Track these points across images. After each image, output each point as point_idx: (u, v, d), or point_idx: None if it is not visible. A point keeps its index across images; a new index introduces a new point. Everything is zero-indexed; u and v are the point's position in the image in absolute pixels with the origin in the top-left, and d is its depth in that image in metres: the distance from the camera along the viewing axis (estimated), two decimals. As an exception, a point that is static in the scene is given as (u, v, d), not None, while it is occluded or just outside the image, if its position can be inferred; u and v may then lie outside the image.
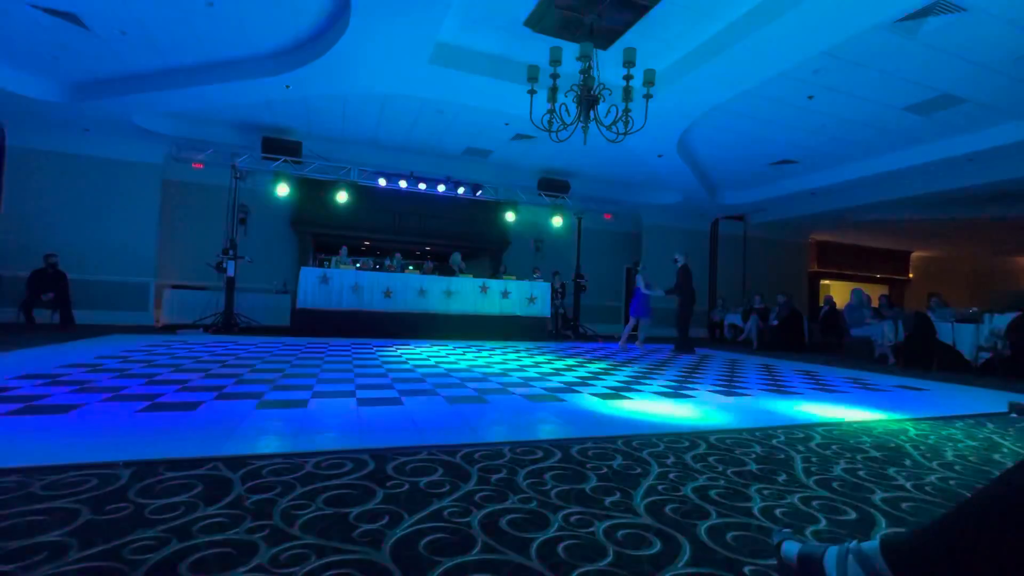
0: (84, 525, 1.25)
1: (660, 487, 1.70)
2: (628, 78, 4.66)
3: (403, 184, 9.24)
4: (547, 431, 2.46)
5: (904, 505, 1.64)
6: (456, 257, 9.97)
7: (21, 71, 6.54)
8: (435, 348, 6.67)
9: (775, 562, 1.20)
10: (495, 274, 10.45)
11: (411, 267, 12.54)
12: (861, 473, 1.96)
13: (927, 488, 1.82)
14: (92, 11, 5.19)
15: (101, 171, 8.66)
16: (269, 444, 2.02)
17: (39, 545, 1.15)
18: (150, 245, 8.99)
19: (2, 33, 5.61)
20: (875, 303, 9.00)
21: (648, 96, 4.75)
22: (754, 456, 2.12)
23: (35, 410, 2.39)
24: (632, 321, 8.01)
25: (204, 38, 5.72)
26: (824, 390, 4.23)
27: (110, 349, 4.91)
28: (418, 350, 6.28)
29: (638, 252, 13.11)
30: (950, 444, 2.52)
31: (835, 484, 1.81)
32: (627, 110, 4.87)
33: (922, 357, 6.83)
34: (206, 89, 6.62)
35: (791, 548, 1.15)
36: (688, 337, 7.78)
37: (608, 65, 5.52)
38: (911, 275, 18.68)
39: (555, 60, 4.51)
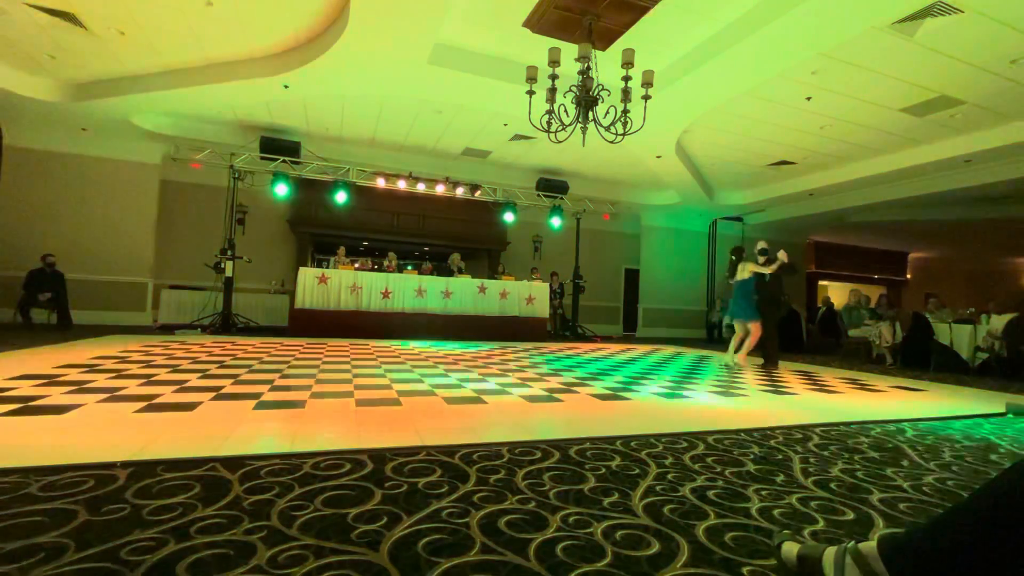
0: (81, 526, 1.25)
1: (658, 488, 1.70)
2: (627, 79, 4.66)
3: (402, 184, 9.23)
4: (545, 431, 2.46)
5: (902, 505, 1.64)
6: (455, 257, 9.96)
7: (19, 70, 6.52)
8: (433, 348, 6.67)
9: (774, 563, 1.20)
10: (493, 275, 10.45)
11: (409, 267, 12.53)
12: (859, 474, 1.96)
13: (925, 488, 1.82)
14: (90, 11, 5.18)
15: (99, 171, 8.62)
16: (267, 444, 2.01)
17: (36, 546, 1.14)
18: (148, 245, 8.96)
19: (0, 32, 5.59)
20: (873, 304, 9.02)
21: (647, 97, 4.75)
22: (752, 457, 2.13)
23: (32, 410, 2.38)
24: (741, 330, 5.96)
25: (203, 38, 5.71)
26: (823, 390, 4.24)
27: (107, 349, 4.90)
28: (416, 351, 6.28)
29: (637, 253, 13.12)
30: (948, 445, 2.52)
31: (833, 485, 1.81)
32: (626, 111, 4.88)
33: (920, 358, 6.85)
34: (204, 89, 6.61)
35: (791, 549, 1.16)
36: (775, 348, 6.01)
37: (607, 66, 5.53)
38: (909, 276, 18.73)
39: (554, 61, 4.51)
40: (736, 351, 5.92)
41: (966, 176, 8.36)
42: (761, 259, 5.87)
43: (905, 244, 16.74)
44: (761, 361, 6.20)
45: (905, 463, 2.15)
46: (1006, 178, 7.95)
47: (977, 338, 6.51)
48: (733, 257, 6.00)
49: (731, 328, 10.96)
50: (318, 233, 10.58)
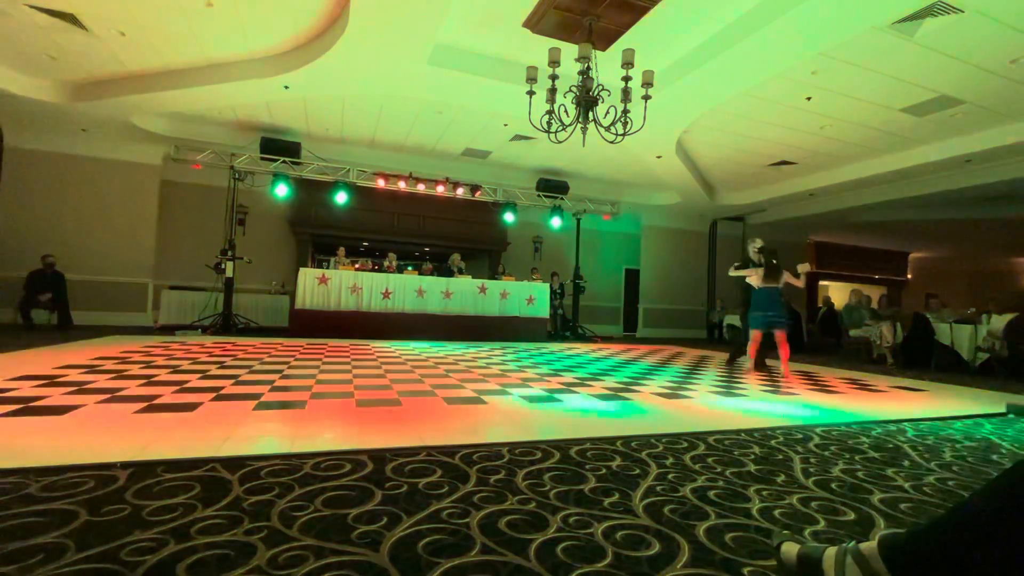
0: (82, 527, 1.25)
1: (659, 488, 1.70)
2: (627, 79, 4.66)
3: (402, 185, 9.23)
4: (545, 431, 2.46)
5: (903, 506, 1.64)
6: (455, 258, 9.97)
7: (19, 71, 6.52)
8: (434, 349, 6.67)
9: (774, 563, 1.20)
10: (494, 275, 10.45)
11: (410, 268, 12.54)
12: (860, 474, 1.96)
13: (925, 489, 1.82)
14: (91, 12, 5.18)
15: (99, 172, 8.63)
16: (267, 445, 2.01)
17: (37, 547, 1.14)
18: (148, 246, 8.97)
19: (0, 33, 5.60)
20: (875, 304, 9.01)
21: (647, 97, 4.75)
22: (753, 457, 2.13)
23: (33, 411, 2.38)
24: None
25: (203, 39, 5.71)
26: (824, 390, 4.23)
27: (108, 350, 4.90)
28: (417, 351, 6.28)
29: (637, 253, 13.11)
30: (948, 445, 2.52)
31: (834, 485, 1.81)
32: (626, 111, 4.88)
33: (920, 358, 6.85)
34: (205, 90, 6.61)
35: (790, 550, 1.16)
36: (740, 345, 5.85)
37: (607, 66, 5.53)
38: (909, 276, 18.72)
39: (554, 61, 4.51)
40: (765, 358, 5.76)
41: (966, 176, 8.35)
42: (758, 257, 5.64)
43: (906, 244, 16.73)
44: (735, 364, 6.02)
45: (906, 463, 2.14)
46: (1006, 178, 7.95)
47: (978, 338, 6.51)
48: (774, 261, 5.39)
49: (732, 328, 10.98)
50: (318, 234, 10.59)
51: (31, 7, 5.09)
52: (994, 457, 2.32)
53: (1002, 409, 3.57)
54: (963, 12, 4.43)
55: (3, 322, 7.40)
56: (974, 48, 5.02)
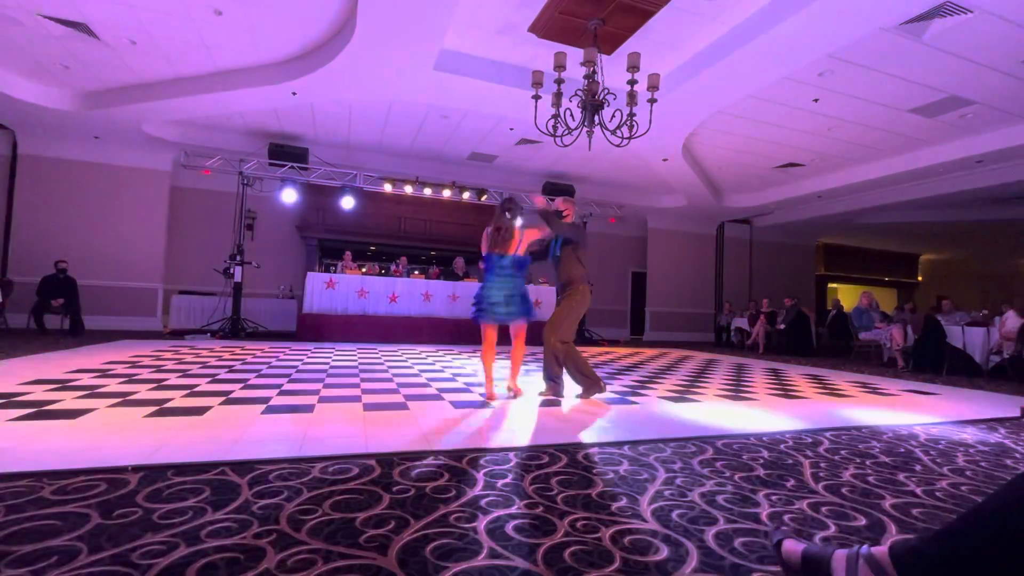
0: (94, 529, 1.26)
1: (667, 492, 1.69)
2: (632, 82, 4.66)
3: (408, 189, 9.27)
4: (552, 436, 2.46)
5: (915, 511, 1.62)
6: (461, 262, 9.98)
7: (32, 80, 6.64)
8: (440, 352, 6.68)
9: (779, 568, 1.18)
10: (500, 279, 10.44)
11: (416, 272, 12.56)
12: (871, 479, 1.94)
13: (938, 494, 1.80)
14: (102, 21, 5.26)
15: (111, 178, 8.75)
16: (276, 449, 2.02)
17: (49, 550, 1.16)
18: (158, 251, 9.06)
19: (14, 43, 5.70)
20: (884, 307, 8.91)
21: (652, 100, 4.75)
22: (762, 461, 2.11)
23: (45, 415, 2.41)
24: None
25: (213, 47, 5.79)
26: (833, 394, 4.19)
27: (119, 354, 4.95)
28: (423, 354, 6.29)
29: (644, 256, 13.07)
30: (961, 449, 2.49)
31: (844, 490, 1.79)
32: (632, 114, 4.87)
33: (932, 361, 6.76)
34: (214, 97, 6.69)
35: (793, 547, 1.13)
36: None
37: (612, 70, 5.53)
38: (920, 278, 18.52)
39: (559, 65, 4.52)
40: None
41: (977, 177, 8.27)
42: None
43: (916, 246, 16.56)
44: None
45: (918, 468, 2.12)
46: (1017, 179, 7.86)
47: (990, 341, 6.42)
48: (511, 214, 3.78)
49: (740, 331, 10.91)
50: (325, 238, 10.65)
51: (44, 17, 5.18)
52: (1008, 462, 2.29)
53: (1016, 413, 3.52)
54: (972, 12, 4.40)
55: (16, 327, 7.50)
56: (984, 48, 4.97)
